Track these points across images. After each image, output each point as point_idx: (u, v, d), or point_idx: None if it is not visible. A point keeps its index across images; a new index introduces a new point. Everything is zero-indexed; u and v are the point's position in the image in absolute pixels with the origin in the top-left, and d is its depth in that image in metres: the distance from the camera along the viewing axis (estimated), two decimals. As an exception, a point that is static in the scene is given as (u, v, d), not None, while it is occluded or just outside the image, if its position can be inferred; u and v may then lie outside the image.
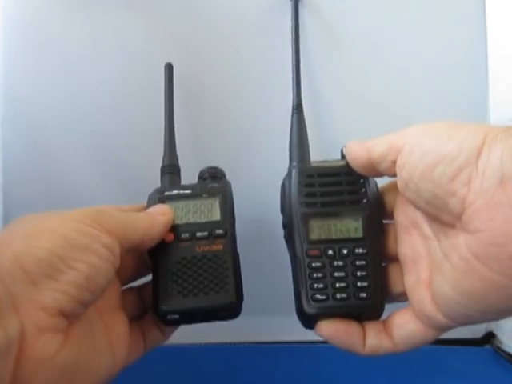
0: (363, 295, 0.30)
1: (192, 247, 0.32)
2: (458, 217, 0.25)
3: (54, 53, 0.46)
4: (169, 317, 0.30)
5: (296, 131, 0.37)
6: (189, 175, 0.37)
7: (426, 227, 0.29)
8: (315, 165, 0.33)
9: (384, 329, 0.30)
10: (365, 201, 0.32)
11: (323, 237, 0.31)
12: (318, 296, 0.30)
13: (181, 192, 0.34)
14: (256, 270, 0.44)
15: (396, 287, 0.31)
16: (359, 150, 0.30)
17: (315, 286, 0.30)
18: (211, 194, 0.34)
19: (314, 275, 0.30)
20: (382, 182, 0.33)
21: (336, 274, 0.30)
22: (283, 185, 0.34)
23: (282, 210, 0.33)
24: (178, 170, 0.38)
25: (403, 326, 0.29)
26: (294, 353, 0.45)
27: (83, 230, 0.26)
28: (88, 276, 0.25)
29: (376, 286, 0.30)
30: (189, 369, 0.44)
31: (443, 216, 0.26)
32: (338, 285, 0.30)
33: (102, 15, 0.45)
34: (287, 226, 0.32)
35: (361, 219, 0.31)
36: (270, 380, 0.43)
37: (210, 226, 0.32)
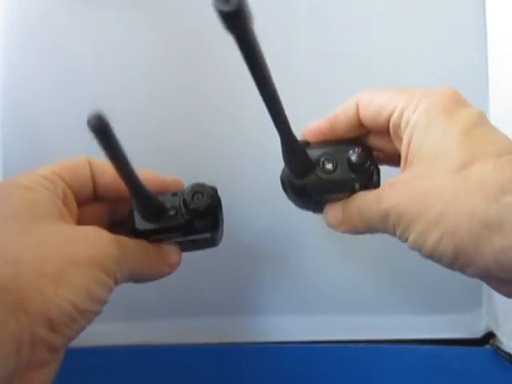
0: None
1: None
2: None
3: (55, 54, 0.46)
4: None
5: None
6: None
7: None
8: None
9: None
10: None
11: None
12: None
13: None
14: (256, 271, 0.44)
15: None
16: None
17: None
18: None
19: None
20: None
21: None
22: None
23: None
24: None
25: None
26: (294, 353, 0.45)
27: (103, 282, 0.27)
28: (90, 321, 0.26)
29: None
30: (189, 369, 0.44)
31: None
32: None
33: (104, 17, 0.45)
34: None
35: None
36: (270, 380, 0.43)
37: None
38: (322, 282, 0.45)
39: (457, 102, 0.27)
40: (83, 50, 0.46)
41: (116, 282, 0.28)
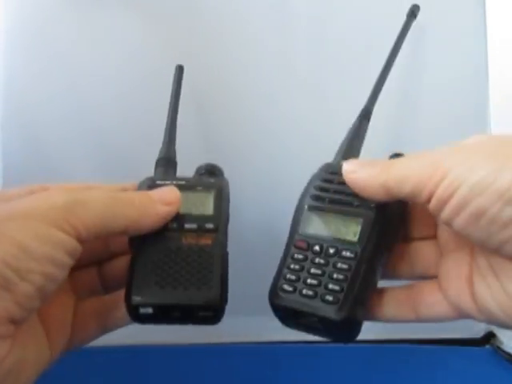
0: (329, 298, 0.27)
1: (178, 238, 0.29)
2: None
3: (53, 51, 0.46)
4: (142, 310, 0.27)
5: (351, 135, 0.35)
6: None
7: None
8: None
9: (406, 299, 0.29)
10: (373, 205, 0.29)
11: (318, 232, 0.29)
12: (286, 287, 0.28)
13: (174, 182, 0.31)
14: (256, 270, 0.44)
15: (419, 265, 0.29)
16: (372, 185, 0.26)
17: (287, 276, 0.28)
18: (206, 187, 0.32)
19: (292, 266, 0.29)
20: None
21: (312, 271, 0.28)
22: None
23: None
24: (175, 164, 0.36)
25: (432, 307, 0.28)
26: (294, 353, 0.45)
27: (46, 236, 0.23)
28: (42, 287, 0.23)
29: (350, 294, 0.27)
30: (189, 369, 0.44)
31: (494, 255, 0.24)
32: (309, 281, 0.28)
33: (102, 15, 0.45)
34: (293, 215, 0.31)
35: (361, 223, 0.28)
36: (269, 380, 0.43)
37: (201, 219, 0.30)
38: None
39: None
40: (81, 46, 0.46)
41: (77, 236, 0.24)
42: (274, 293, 0.29)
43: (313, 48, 0.45)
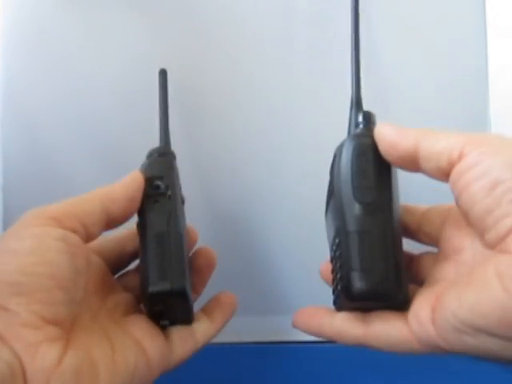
0: (340, 284, 0.28)
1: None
2: (502, 238, 0.23)
3: (53, 51, 0.46)
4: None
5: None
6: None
7: (468, 252, 0.27)
8: None
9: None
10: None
11: (331, 233, 0.32)
12: (334, 297, 0.31)
13: None
14: (255, 270, 0.44)
15: None
16: (403, 138, 0.27)
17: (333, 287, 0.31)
18: None
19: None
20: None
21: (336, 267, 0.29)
22: None
23: None
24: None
25: (386, 322, 0.27)
26: (294, 353, 0.45)
27: (28, 230, 0.25)
28: (50, 275, 0.24)
29: (346, 270, 0.28)
30: (189, 369, 0.44)
31: (487, 234, 0.24)
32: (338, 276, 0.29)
33: (102, 14, 0.45)
34: None
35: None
36: (269, 380, 0.43)
37: None
38: (324, 283, 0.45)
39: None
40: (81, 45, 0.46)
41: (54, 224, 0.26)
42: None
43: (314, 47, 0.45)
